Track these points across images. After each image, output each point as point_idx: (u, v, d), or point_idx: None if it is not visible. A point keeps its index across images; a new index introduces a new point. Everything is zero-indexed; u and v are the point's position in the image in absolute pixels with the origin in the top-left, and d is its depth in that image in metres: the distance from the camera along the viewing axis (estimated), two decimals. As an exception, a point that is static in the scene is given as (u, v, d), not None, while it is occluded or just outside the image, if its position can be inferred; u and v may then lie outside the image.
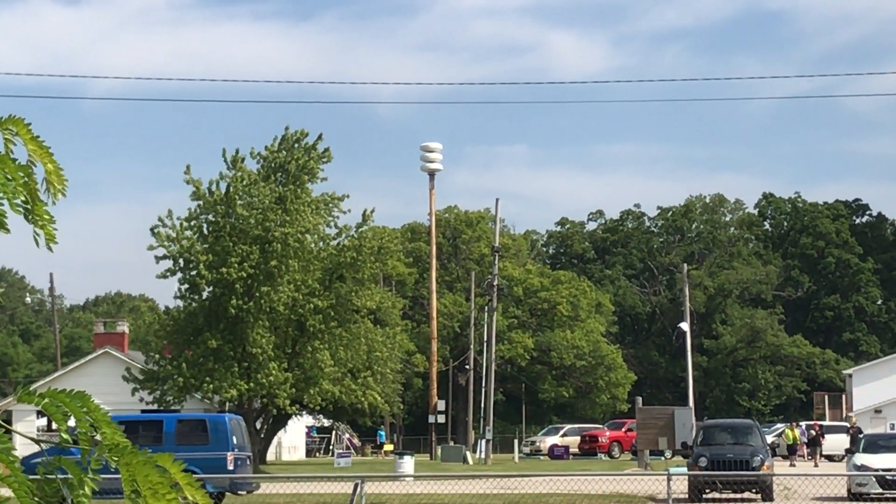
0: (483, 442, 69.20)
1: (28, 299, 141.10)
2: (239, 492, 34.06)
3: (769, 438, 53.40)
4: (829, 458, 63.93)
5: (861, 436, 40.79)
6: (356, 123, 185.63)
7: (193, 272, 53.87)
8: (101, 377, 59.75)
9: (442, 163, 78.61)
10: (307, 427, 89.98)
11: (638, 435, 54.85)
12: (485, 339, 75.10)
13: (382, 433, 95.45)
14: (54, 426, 3.48)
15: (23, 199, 3.47)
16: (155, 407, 52.97)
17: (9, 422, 49.27)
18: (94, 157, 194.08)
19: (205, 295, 55.17)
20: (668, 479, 26.29)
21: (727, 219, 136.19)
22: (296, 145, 55.28)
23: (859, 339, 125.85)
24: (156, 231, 54.03)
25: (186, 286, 54.98)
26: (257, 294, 53.07)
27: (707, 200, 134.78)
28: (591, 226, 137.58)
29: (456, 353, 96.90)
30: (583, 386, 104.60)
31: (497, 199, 78.91)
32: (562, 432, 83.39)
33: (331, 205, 55.97)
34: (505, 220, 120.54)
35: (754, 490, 33.33)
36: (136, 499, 3.32)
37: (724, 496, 33.64)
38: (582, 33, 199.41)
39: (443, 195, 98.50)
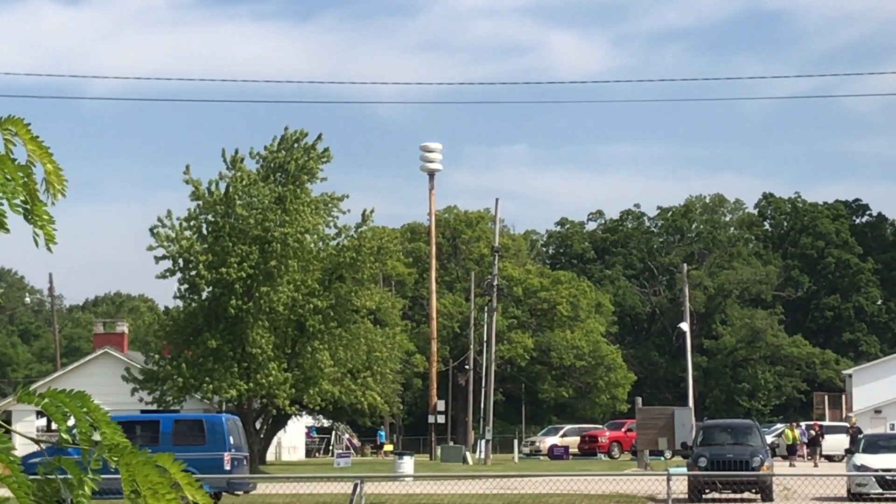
0: (483, 442, 69.18)
1: (27, 299, 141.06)
2: (235, 492, 34.07)
3: (769, 439, 53.40)
4: (829, 458, 63.94)
5: (861, 436, 40.80)
6: (356, 123, 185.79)
7: (193, 272, 53.85)
8: (101, 377, 59.74)
9: (442, 163, 78.63)
10: (307, 427, 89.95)
11: (638, 435, 54.84)
12: (484, 339, 75.09)
13: (382, 433, 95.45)
14: (54, 426, 3.48)
15: (22, 199, 3.47)
16: (154, 407, 52.94)
17: (8, 422, 49.26)
18: (93, 157, 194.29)
19: (204, 295, 55.16)
20: (668, 480, 26.29)
21: (727, 219, 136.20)
22: (295, 145, 55.27)
23: (859, 339, 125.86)
24: (155, 231, 54.01)
25: (186, 286, 54.98)
26: (257, 294, 53.06)
27: (707, 200, 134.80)
28: (591, 226, 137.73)
29: (456, 354, 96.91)
30: (582, 386, 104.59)
31: (497, 199, 78.95)
32: (561, 432, 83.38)
33: (330, 205, 55.95)
34: (505, 221, 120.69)
35: (754, 490, 33.33)
36: (135, 499, 3.32)
37: (723, 496, 33.65)
38: (582, 33, 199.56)
39: (442, 195, 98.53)
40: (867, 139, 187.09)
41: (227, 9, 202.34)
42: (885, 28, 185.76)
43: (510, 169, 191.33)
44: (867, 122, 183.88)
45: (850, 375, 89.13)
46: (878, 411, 77.08)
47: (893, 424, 74.15)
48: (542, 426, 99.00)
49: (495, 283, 71.66)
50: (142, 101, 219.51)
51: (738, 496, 33.78)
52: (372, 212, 57.08)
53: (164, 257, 54.15)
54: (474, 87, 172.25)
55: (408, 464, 48.65)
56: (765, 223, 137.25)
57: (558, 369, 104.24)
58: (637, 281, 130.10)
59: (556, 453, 77.07)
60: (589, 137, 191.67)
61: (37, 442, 3.93)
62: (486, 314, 76.30)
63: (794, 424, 68.49)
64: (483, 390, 72.76)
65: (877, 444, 36.30)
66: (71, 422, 3.49)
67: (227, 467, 33.80)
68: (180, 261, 54.14)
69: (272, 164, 55.13)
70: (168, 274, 54.49)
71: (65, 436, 3.46)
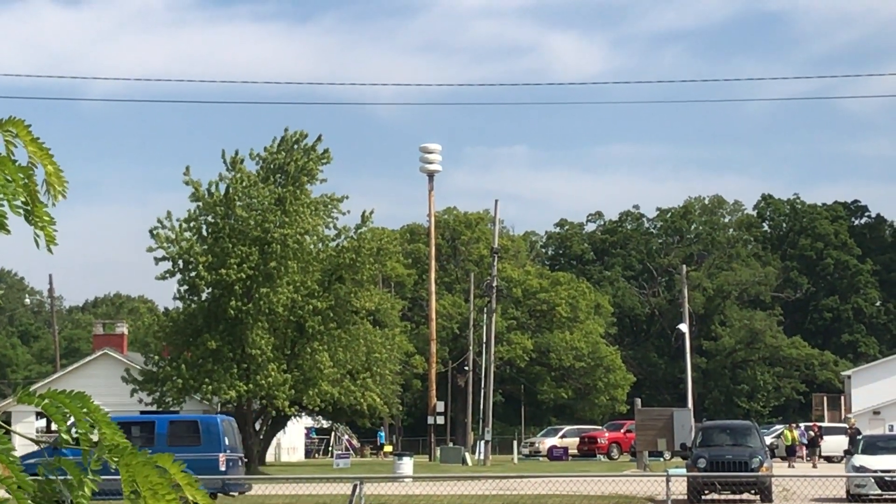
0: (482, 443, 69.16)
1: (27, 300, 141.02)
2: (231, 493, 34.05)
3: (768, 440, 53.42)
4: (828, 459, 63.98)
5: (860, 437, 40.82)
6: (356, 125, 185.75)
7: (192, 273, 53.84)
8: (101, 378, 59.71)
9: (441, 164, 78.63)
10: (306, 428, 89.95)
11: (637, 436, 54.84)
12: (484, 340, 75.08)
13: (382, 434, 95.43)
14: (54, 427, 3.48)
15: (23, 200, 3.47)
16: (154, 408, 52.93)
17: (8, 423, 49.21)
18: (93, 158, 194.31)
19: (204, 296, 55.15)
20: (667, 481, 26.30)
21: (726, 220, 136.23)
22: (295, 146, 55.27)
23: (858, 340, 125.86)
24: (155, 232, 54.01)
25: (185, 287, 54.97)
26: (256, 295, 53.05)
27: (706, 202, 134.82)
28: (590, 227, 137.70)
29: (455, 355, 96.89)
30: (582, 387, 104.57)
31: (496, 201, 78.86)
32: (561, 433, 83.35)
33: (330, 206, 55.95)
34: (504, 222, 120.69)
35: (753, 491, 33.34)
36: (135, 499, 3.33)
37: (722, 497, 33.65)
38: (581, 34, 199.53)
39: (442, 196, 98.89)
40: (866, 140, 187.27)
41: (226, 10, 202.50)
42: (884, 29, 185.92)
43: (510, 170, 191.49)
44: (866, 124, 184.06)
45: (848, 377, 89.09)
46: (876, 412, 77.06)
47: (892, 425, 74.15)
48: (542, 427, 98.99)
49: (494, 284, 71.64)
50: (141, 103, 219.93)
51: (738, 497, 33.79)
52: (371, 213, 57.13)
53: (163, 258, 54.14)
54: (474, 88, 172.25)
55: (407, 465, 48.68)
56: (764, 224, 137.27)
57: (557, 370, 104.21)
58: (636, 282, 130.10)
59: (555, 454, 77.05)
60: (588, 138, 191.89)
61: (37, 443, 3.94)
62: (485, 315, 76.28)
63: (794, 425, 68.46)
64: (482, 391, 72.74)
65: (876, 445, 36.32)
66: (71, 422, 3.50)
67: (223, 468, 33.78)
68: (180, 262, 54.13)
69: (272, 166, 55.14)
70: (168, 275, 54.48)
71: (65, 436, 3.47)
